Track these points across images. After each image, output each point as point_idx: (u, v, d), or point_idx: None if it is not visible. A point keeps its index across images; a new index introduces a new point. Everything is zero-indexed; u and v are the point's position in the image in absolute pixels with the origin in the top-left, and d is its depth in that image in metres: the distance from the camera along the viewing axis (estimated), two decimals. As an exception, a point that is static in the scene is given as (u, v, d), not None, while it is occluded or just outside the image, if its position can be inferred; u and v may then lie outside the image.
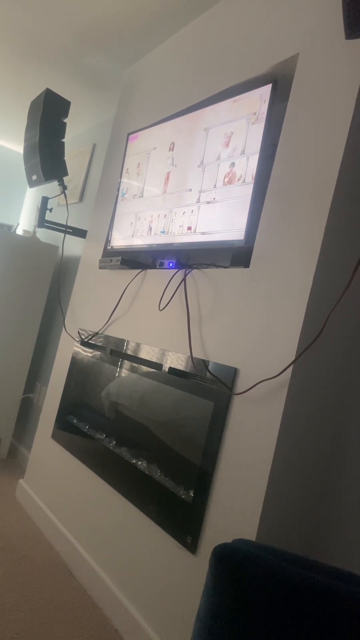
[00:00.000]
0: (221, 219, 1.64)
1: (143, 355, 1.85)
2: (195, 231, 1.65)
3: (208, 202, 1.70)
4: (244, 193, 1.57)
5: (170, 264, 1.84)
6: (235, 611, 0.87)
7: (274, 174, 1.51)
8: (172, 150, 1.96)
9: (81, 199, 3.27)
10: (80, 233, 2.86)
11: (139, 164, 2.16)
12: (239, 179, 1.60)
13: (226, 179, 1.65)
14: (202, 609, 0.91)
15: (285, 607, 0.84)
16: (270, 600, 0.85)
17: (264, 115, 1.56)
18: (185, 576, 1.43)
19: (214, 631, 0.88)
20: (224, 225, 1.62)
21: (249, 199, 1.54)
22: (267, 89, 1.57)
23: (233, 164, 1.63)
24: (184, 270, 1.76)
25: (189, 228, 1.69)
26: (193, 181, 1.81)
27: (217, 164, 1.70)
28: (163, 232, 1.83)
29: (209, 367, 1.53)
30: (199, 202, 1.74)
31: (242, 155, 1.60)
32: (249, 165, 1.57)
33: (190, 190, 1.81)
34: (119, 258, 2.07)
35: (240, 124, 1.66)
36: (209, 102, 1.84)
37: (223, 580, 0.89)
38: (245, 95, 1.65)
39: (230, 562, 0.90)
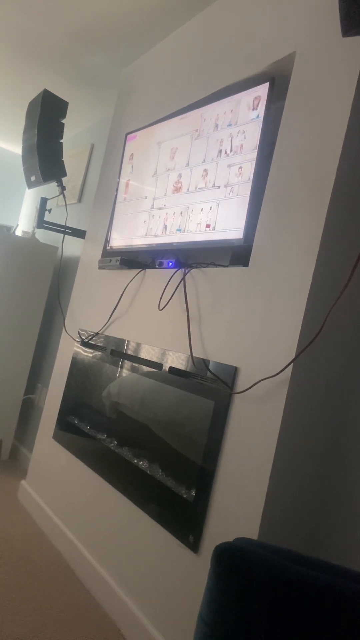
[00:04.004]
0: (218, 218, 1.64)
1: (143, 355, 1.85)
2: (214, 229, 1.67)
3: (160, 209, 1.90)
4: (242, 192, 1.56)
5: (170, 264, 1.84)
6: (238, 610, 0.87)
7: (273, 172, 1.51)
8: (129, 159, 2.21)
9: (80, 199, 3.27)
10: (80, 233, 2.85)
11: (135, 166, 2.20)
12: (185, 189, 1.82)
13: (175, 187, 1.85)
14: (204, 608, 0.91)
15: (288, 605, 0.84)
16: (272, 599, 0.85)
17: (242, 120, 1.65)
18: (187, 575, 1.43)
19: (216, 630, 0.88)
20: (224, 224, 1.62)
21: (248, 197, 1.54)
22: (264, 88, 1.57)
23: (180, 175, 1.85)
24: (183, 269, 1.76)
25: (208, 226, 1.70)
26: (148, 189, 2.04)
27: (167, 174, 1.92)
28: (179, 230, 1.83)
29: (209, 367, 1.53)
30: (152, 208, 1.97)
31: (187, 167, 1.82)
32: (192, 177, 1.79)
33: (146, 197, 2.03)
34: (118, 258, 2.07)
35: (184, 139, 1.87)
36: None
37: (225, 579, 0.89)
38: (190, 114, 1.85)
39: (232, 560, 0.90)
